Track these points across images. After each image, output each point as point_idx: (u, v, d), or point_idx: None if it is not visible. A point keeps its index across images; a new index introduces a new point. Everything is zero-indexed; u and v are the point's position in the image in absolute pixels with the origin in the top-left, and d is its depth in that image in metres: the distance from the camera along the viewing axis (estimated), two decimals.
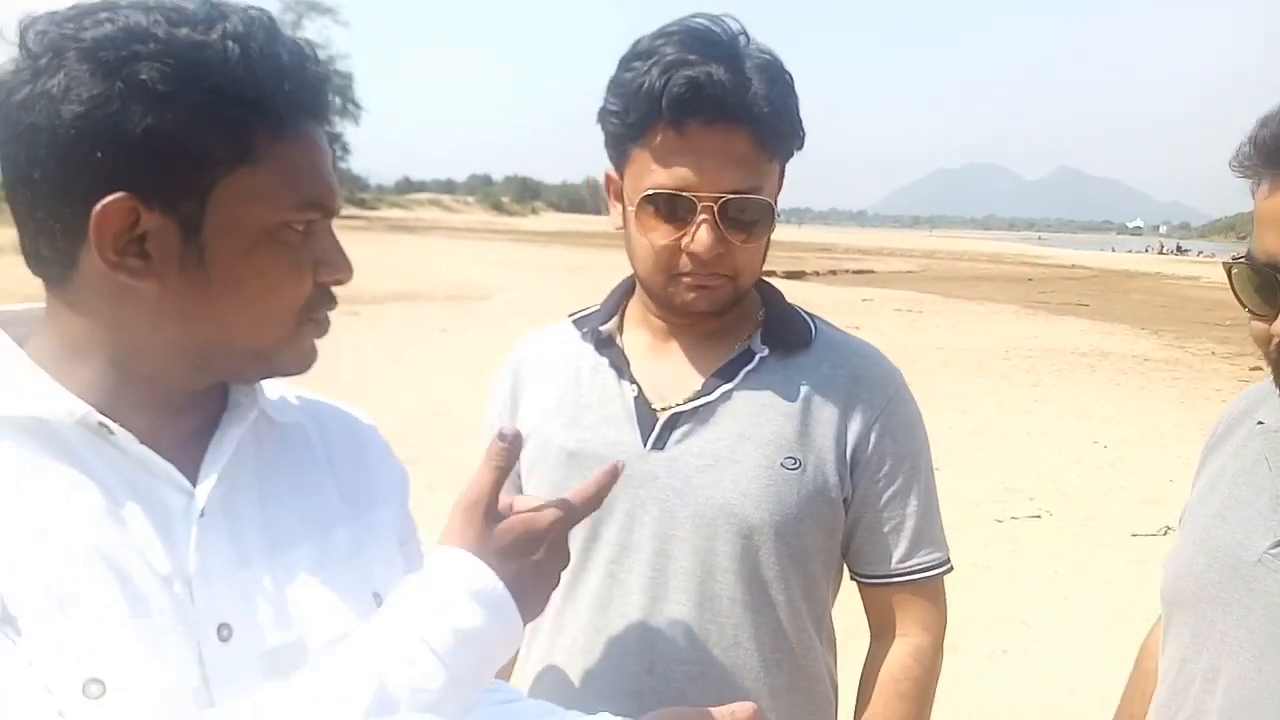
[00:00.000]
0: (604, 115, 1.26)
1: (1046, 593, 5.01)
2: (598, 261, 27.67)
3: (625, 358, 1.36)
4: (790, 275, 25.20)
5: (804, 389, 1.32)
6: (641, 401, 1.32)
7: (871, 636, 1.40)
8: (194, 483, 0.81)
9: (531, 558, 0.86)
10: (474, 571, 0.82)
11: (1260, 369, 1.07)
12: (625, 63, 1.23)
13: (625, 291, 1.42)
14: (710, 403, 1.31)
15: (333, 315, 0.89)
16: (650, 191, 1.22)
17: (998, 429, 8.72)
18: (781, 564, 1.29)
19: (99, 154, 0.72)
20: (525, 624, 0.86)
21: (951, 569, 1.39)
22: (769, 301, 1.39)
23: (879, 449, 1.32)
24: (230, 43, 0.74)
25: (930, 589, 1.37)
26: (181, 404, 0.84)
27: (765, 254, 1.31)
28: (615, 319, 1.40)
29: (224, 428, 0.86)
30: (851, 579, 1.41)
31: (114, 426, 0.77)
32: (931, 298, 22.03)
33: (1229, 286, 1.01)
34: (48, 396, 0.76)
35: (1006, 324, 17.43)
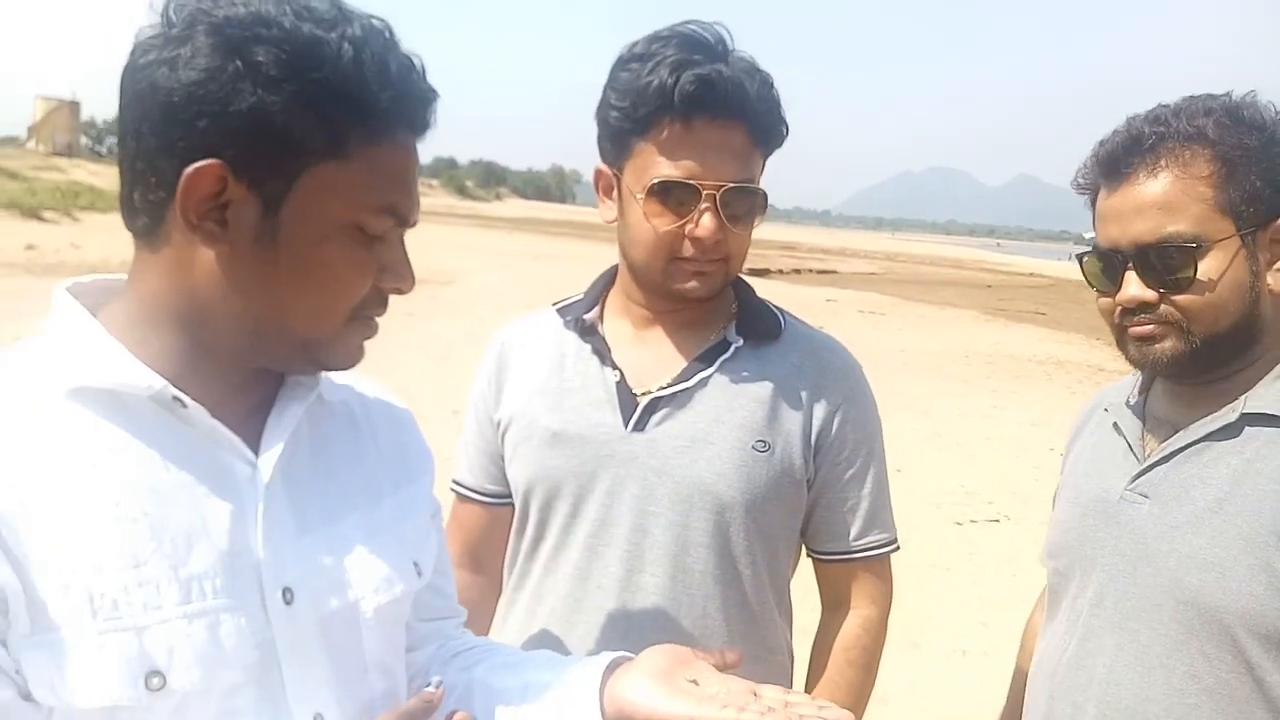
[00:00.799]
0: (605, 110, 1.34)
1: (1005, 594, 5.08)
2: (564, 250, 27.59)
3: (607, 344, 1.44)
4: (754, 273, 25.29)
5: (774, 378, 1.41)
6: (623, 386, 1.40)
7: (824, 610, 1.51)
8: (256, 454, 0.86)
9: None
10: None
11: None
12: (623, 63, 1.32)
13: (606, 282, 1.50)
14: (688, 388, 1.39)
15: None
16: (658, 181, 1.30)
17: (958, 433, 8.84)
18: (750, 540, 1.38)
19: (203, 121, 0.77)
20: None
21: (898, 548, 1.50)
22: (741, 295, 1.48)
23: (840, 435, 1.42)
24: (346, 44, 0.79)
25: (880, 566, 1.48)
26: (243, 380, 0.88)
27: (749, 240, 1.40)
28: (597, 308, 1.48)
29: (283, 403, 0.90)
30: (808, 556, 1.51)
31: (187, 400, 0.81)
32: (894, 300, 22.28)
33: (1082, 275, 1.28)
34: (125, 369, 0.80)
35: (966, 329, 17.67)
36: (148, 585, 0.76)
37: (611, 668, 0.99)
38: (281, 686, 0.83)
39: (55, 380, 0.79)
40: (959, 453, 8.03)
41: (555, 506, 1.41)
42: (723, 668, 0.99)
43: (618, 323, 1.47)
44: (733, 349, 1.41)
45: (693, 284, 1.35)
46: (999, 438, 8.78)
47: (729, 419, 1.38)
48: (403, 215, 0.86)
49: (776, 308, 1.50)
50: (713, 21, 1.33)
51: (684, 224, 1.31)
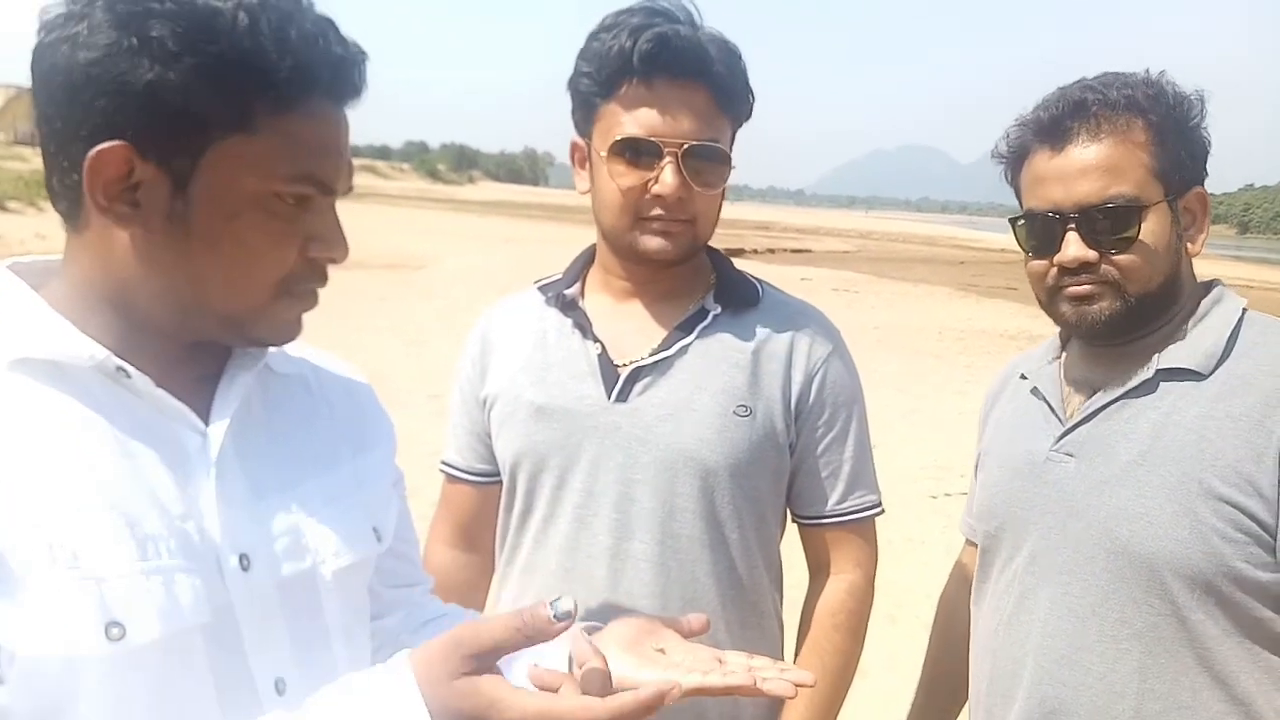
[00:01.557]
0: (576, 79, 1.38)
1: None
2: (536, 233, 27.47)
3: (588, 318, 1.46)
4: (730, 252, 25.15)
5: (753, 343, 1.43)
6: (604, 358, 1.42)
7: (810, 575, 1.52)
8: (206, 424, 0.85)
9: None
10: (408, 707, 0.75)
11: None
12: (593, 35, 1.35)
13: (586, 260, 1.52)
14: (669, 357, 1.41)
15: None
16: (620, 138, 1.33)
17: (933, 408, 8.91)
18: (736, 504, 1.40)
19: (103, 101, 0.75)
20: None
21: (883, 511, 1.51)
22: (719, 265, 1.51)
23: (820, 399, 1.44)
24: (242, 14, 0.77)
25: (863, 529, 1.49)
26: (185, 353, 0.87)
27: (720, 209, 1.43)
28: (578, 284, 1.50)
29: (231, 373, 0.89)
30: (793, 521, 1.52)
31: (131, 370, 0.80)
32: (868, 278, 22.37)
33: (1015, 240, 1.32)
34: (67, 340, 0.79)
35: (940, 305, 17.79)
36: (105, 539, 0.76)
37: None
38: (242, 651, 0.83)
39: None
40: (933, 428, 8.08)
41: (542, 480, 1.43)
42: (688, 635, 1.01)
43: (598, 297, 1.48)
44: (711, 316, 1.43)
45: (659, 242, 1.36)
46: (972, 412, 8.65)
47: (710, 385, 1.39)
48: (325, 183, 0.84)
49: (755, 277, 1.52)
50: None
51: (647, 181, 1.33)
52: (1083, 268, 1.24)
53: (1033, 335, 14.21)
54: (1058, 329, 1.41)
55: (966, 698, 1.48)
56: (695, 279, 1.47)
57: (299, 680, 0.87)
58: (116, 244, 0.80)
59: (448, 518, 1.59)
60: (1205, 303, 1.29)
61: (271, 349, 0.93)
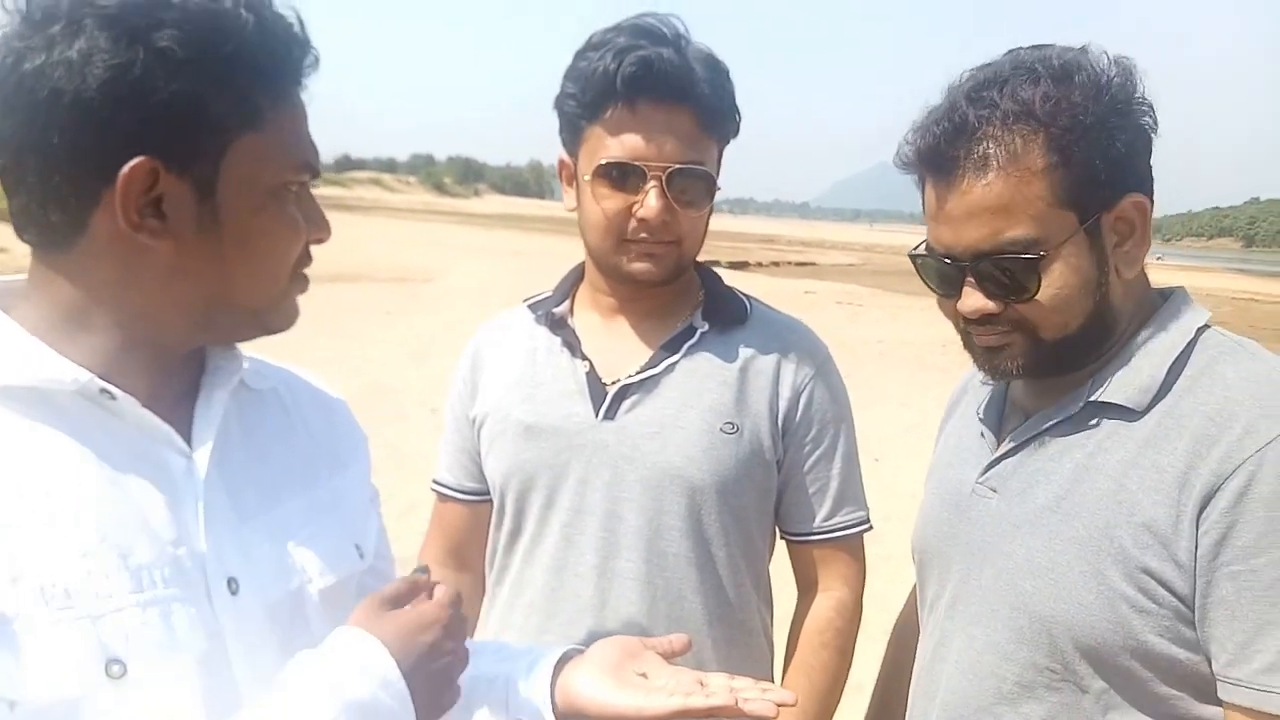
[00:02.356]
0: (562, 99, 1.38)
1: None
2: (542, 246, 27.50)
3: (577, 337, 1.46)
4: (734, 265, 25.36)
5: (740, 360, 1.44)
6: (593, 376, 1.43)
7: (799, 592, 1.51)
8: (188, 442, 0.84)
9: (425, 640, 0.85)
10: (370, 652, 0.81)
11: None
12: (580, 54, 1.35)
13: (576, 278, 1.53)
14: (656, 374, 1.42)
15: None
16: (605, 161, 1.33)
17: (936, 422, 8.77)
18: (723, 522, 1.40)
19: (122, 119, 0.74)
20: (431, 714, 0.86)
21: (871, 528, 1.50)
22: (708, 282, 1.50)
23: (806, 415, 1.44)
24: (245, 12, 0.77)
25: (851, 546, 1.49)
26: (173, 367, 0.86)
27: (706, 227, 1.43)
28: (567, 302, 1.50)
29: (208, 390, 0.88)
30: (782, 539, 1.52)
31: (116, 392, 0.78)
32: (871, 291, 22.35)
33: (917, 275, 1.16)
34: (47, 365, 0.77)
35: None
36: (97, 574, 0.74)
37: (563, 662, 1.01)
38: (232, 676, 0.82)
39: None
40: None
41: (530, 498, 1.43)
42: (670, 656, 1.01)
43: (587, 315, 1.49)
44: (699, 334, 1.44)
45: (644, 265, 1.37)
46: None
47: (696, 403, 1.40)
48: (314, 166, 0.86)
49: (744, 294, 1.52)
50: (669, 14, 1.36)
51: (631, 204, 1.33)
52: (986, 317, 1.08)
53: None
54: None
55: None
56: (684, 296, 1.47)
57: None
58: (137, 259, 0.79)
59: (439, 536, 1.60)
60: (1154, 322, 1.09)
61: (245, 364, 0.92)
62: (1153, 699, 1.02)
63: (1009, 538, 1.11)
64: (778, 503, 1.47)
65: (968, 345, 1.16)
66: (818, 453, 1.45)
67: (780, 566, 1.53)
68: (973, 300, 1.08)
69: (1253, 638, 0.94)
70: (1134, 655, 1.01)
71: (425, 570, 0.91)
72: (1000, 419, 1.22)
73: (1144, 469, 1.01)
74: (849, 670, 1.48)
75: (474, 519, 1.55)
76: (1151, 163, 1.08)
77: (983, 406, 1.24)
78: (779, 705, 0.92)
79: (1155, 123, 1.07)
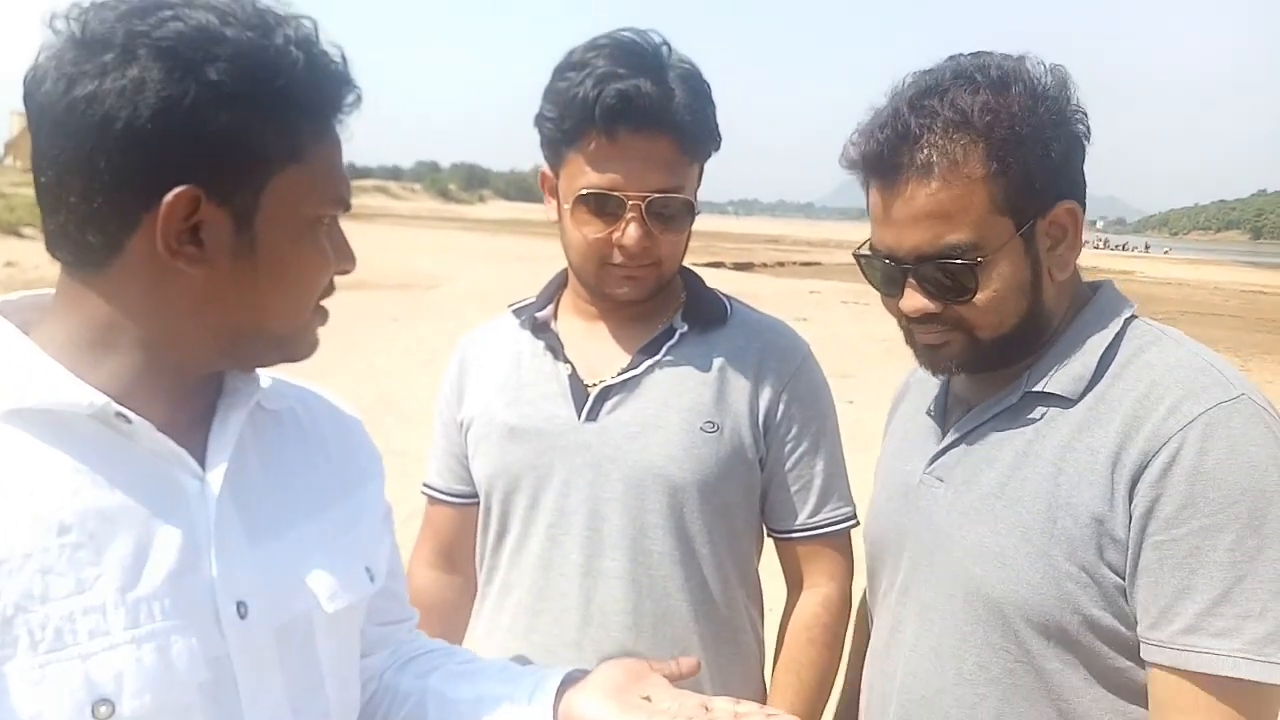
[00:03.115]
0: (540, 120, 1.39)
1: None
2: (547, 251, 27.52)
3: (560, 341, 1.49)
4: (739, 266, 25.37)
5: (720, 360, 1.45)
6: (575, 379, 1.45)
7: (787, 589, 1.52)
8: (201, 465, 0.84)
9: None
10: None
11: None
12: (560, 73, 1.35)
13: (560, 283, 1.55)
14: (636, 375, 1.44)
15: None
16: (584, 191, 1.35)
17: None
18: (706, 519, 1.42)
19: (171, 148, 0.75)
20: None
21: (857, 523, 1.49)
22: (690, 284, 1.53)
23: (787, 413, 1.46)
24: (294, 49, 0.79)
25: (837, 541, 1.50)
26: (187, 391, 0.86)
27: (687, 243, 1.46)
28: (550, 307, 1.53)
29: (224, 413, 0.88)
30: (768, 536, 1.53)
31: (132, 416, 0.78)
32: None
33: (861, 273, 1.21)
34: (64, 388, 0.77)
35: None
36: (93, 611, 0.74)
37: (566, 683, 1.01)
38: (237, 701, 0.82)
39: None
40: None
41: (515, 500, 1.45)
42: (677, 678, 1.01)
43: (570, 319, 1.51)
44: (678, 335, 1.46)
45: (624, 289, 1.40)
46: None
47: (676, 403, 1.41)
48: (347, 200, 0.88)
49: (725, 295, 1.54)
50: (649, 29, 1.35)
51: (611, 232, 1.35)
52: (927, 316, 1.14)
53: None
54: None
55: None
56: (665, 299, 1.49)
57: None
58: (170, 285, 0.79)
59: (430, 539, 1.62)
60: (1085, 314, 1.17)
61: (263, 385, 0.93)
62: (1107, 672, 1.07)
63: (957, 525, 1.17)
64: (763, 500, 1.48)
65: (909, 342, 1.22)
66: (800, 450, 1.46)
67: (775, 566, 1.54)
68: (914, 300, 1.14)
69: (1173, 602, 1.00)
70: (1084, 631, 1.06)
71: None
72: (944, 412, 1.28)
73: (1079, 452, 1.08)
74: (839, 665, 1.49)
75: (463, 521, 1.57)
76: (1084, 169, 1.14)
77: (927, 400, 1.30)
78: None
79: (1088, 130, 1.13)
